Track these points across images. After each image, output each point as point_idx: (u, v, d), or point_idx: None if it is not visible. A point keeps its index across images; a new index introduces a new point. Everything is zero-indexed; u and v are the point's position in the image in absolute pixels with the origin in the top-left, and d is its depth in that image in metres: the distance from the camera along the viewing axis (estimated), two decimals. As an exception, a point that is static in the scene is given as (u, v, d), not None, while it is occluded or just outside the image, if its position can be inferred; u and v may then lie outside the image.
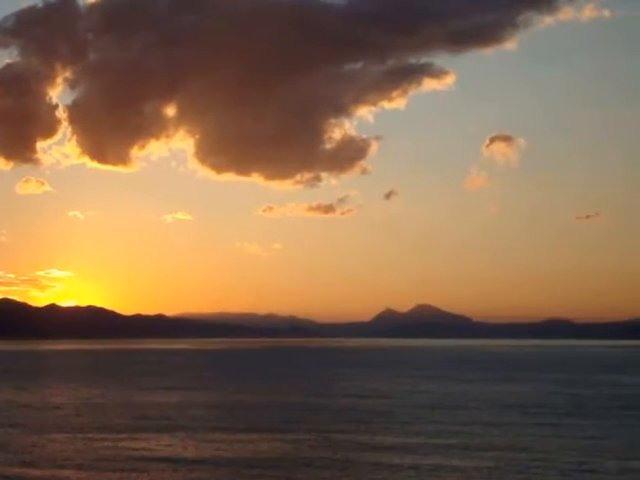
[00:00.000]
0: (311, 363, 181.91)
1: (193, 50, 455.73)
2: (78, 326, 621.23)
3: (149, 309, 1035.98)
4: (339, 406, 72.42)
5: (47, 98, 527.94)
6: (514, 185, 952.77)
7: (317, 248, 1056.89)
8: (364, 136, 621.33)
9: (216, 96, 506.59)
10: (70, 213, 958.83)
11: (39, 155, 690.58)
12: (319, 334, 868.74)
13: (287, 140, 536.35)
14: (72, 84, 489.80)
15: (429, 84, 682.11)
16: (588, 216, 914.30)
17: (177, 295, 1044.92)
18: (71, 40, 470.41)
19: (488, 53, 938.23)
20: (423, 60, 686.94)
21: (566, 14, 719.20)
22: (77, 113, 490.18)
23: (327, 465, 41.14)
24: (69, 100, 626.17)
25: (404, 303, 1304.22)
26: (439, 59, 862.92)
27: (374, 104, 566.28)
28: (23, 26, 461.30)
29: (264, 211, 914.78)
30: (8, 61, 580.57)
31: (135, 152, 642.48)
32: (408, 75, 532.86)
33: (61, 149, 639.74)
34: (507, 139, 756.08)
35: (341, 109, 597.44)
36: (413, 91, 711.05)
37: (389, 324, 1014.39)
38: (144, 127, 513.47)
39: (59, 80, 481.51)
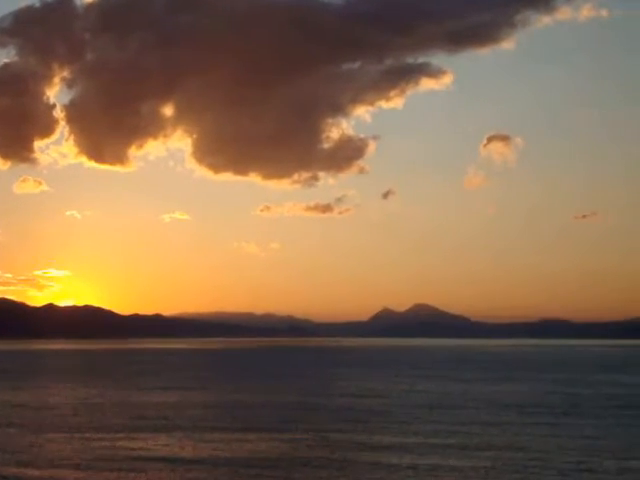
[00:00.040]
0: (309, 363, 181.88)
1: (190, 50, 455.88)
2: (76, 326, 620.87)
3: (147, 309, 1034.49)
4: (337, 406, 72.38)
5: (44, 98, 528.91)
6: (512, 184, 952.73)
7: (315, 248, 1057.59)
8: (362, 136, 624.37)
9: (213, 96, 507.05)
10: (68, 213, 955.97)
11: (36, 154, 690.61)
12: (317, 334, 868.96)
13: (285, 140, 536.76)
14: (69, 84, 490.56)
15: (427, 84, 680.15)
16: (585, 216, 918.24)
17: (175, 295, 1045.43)
18: (68, 40, 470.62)
19: (486, 53, 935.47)
20: (421, 60, 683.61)
21: (564, 14, 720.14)
22: (74, 113, 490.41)
23: (325, 465, 41.10)
24: (66, 100, 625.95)
25: (402, 302, 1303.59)
26: (437, 59, 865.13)
27: (372, 104, 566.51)
28: (20, 26, 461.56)
29: (262, 211, 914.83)
30: (6, 61, 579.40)
31: (132, 152, 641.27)
32: (406, 75, 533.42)
33: (58, 149, 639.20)
34: (505, 138, 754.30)
35: (339, 109, 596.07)
36: (411, 91, 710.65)
37: (387, 324, 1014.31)
38: (141, 127, 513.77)
39: (56, 80, 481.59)
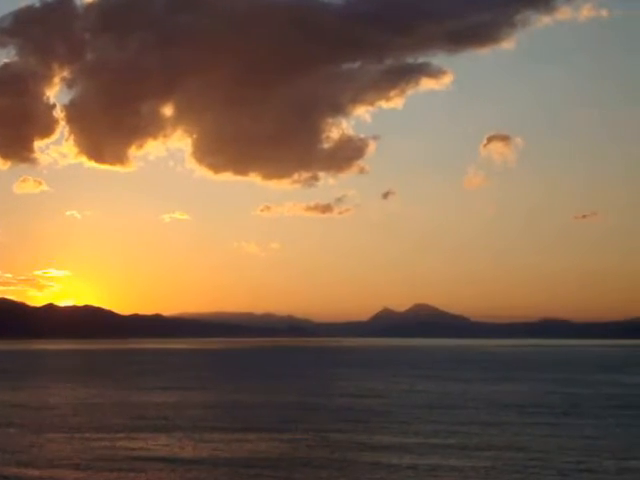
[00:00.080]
0: (308, 363, 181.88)
1: (190, 50, 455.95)
2: (76, 326, 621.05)
3: (146, 309, 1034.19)
4: (337, 406, 72.39)
5: (44, 98, 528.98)
6: (512, 185, 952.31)
7: (315, 248, 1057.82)
8: (362, 136, 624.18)
9: (213, 96, 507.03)
10: (68, 213, 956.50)
11: (36, 154, 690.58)
12: (317, 334, 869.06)
13: (285, 140, 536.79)
14: (69, 84, 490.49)
15: (427, 84, 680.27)
16: (585, 216, 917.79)
17: (174, 295, 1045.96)
18: (68, 40, 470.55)
19: (486, 53, 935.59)
20: (421, 60, 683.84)
21: (564, 14, 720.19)
22: (74, 113, 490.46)
23: (325, 465, 41.10)
24: (66, 100, 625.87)
25: (402, 303, 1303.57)
26: (436, 59, 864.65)
27: (372, 104, 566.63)
28: (21, 26, 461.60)
29: (262, 211, 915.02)
30: (6, 61, 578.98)
31: (132, 152, 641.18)
32: (406, 75, 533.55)
33: (58, 149, 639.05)
34: (505, 138, 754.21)
35: (339, 109, 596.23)
36: (411, 91, 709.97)
37: (387, 324, 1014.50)
38: (141, 127, 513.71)
39: (56, 80, 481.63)
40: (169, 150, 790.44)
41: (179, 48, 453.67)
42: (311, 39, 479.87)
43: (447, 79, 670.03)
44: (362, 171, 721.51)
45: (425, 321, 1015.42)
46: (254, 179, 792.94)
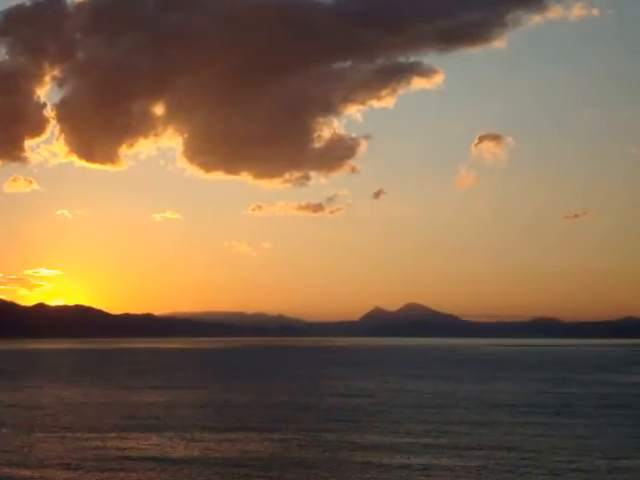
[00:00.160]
0: (300, 362, 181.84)
1: (181, 49, 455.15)
2: (66, 325, 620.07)
3: (138, 308, 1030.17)
4: (327, 405, 72.38)
5: (35, 97, 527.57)
6: (503, 184, 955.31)
7: (306, 247, 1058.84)
8: (353, 135, 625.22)
9: (205, 95, 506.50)
10: (58, 212, 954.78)
11: (27, 153, 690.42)
12: (308, 333, 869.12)
13: (276, 139, 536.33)
14: (60, 83, 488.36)
15: (418, 83, 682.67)
16: (576, 215, 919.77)
17: (166, 294, 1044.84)
18: (59, 39, 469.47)
19: (477, 52, 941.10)
20: (412, 59, 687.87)
21: (555, 13, 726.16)
22: (65, 112, 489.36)
23: (316, 464, 41.09)
24: (57, 99, 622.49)
25: (393, 302, 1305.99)
26: (428, 58, 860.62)
27: (363, 103, 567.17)
28: (11, 24, 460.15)
29: (253, 210, 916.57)
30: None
31: (123, 151, 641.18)
32: (397, 74, 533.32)
33: (49, 148, 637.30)
34: (496, 138, 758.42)
35: (330, 108, 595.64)
36: (402, 90, 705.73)
37: (378, 323, 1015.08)
38: (132, 126, 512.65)
39: (47, 79, 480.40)
40: (160, 149, 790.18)
41: (170, 47, 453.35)
42: (302, 38, 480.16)
43: (438, 78, 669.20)
44: (353, 170, 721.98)
45: (416, 321, 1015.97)
46: (245, 178, 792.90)
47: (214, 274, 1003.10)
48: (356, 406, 71.29)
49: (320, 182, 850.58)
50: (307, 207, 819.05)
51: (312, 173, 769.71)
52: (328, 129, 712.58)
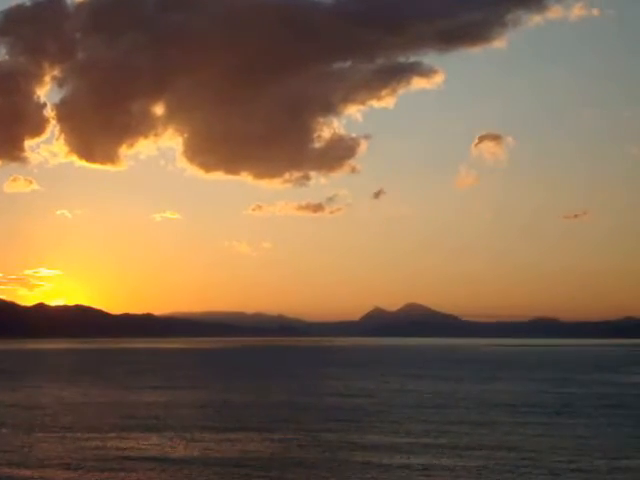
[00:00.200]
0: (299, 362, 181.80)
1: (181, 49, 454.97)
2: (66, 325, 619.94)
3: (138, 308, 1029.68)
4: (327, 405, 72.37)
5: (35, 97, 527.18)
6: (503, 184, 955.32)
7: (306, 247, 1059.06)
8: (353, 135, 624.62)
9: (205, 95, 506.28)
10: (58, 212, 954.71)
11: (27, 153, 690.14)
12: (308, 333, 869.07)
13: (276, 139, 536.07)
14: (60, 83, 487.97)
15: (418, 83, 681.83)
16: (576, 215, 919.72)
17: (166, 294, 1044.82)
18: (59, 39, 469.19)
19: (477, 52, 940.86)
20: (412, 59, 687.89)
21: (555, 13, 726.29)
22: (65, 112, 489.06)
23: (316, 464, 41.08)
24: (57, 99, 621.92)
25: (393, 302, 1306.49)
26: (428, 58, 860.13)
27: (363, 103, 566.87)
28: (11, 24, 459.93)
29: (253, 210, 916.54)
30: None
31: (123, 151, 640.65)
32: (397, 74, 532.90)
33: (49, 147, 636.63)
34: (496, 138, 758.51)
35: (330, 108, 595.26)
36: (402, 90, 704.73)
37: (378, 323, 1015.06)
38: (132, 126, 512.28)
39: (47, 79, 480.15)
40: (160, 149, 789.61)
41: (170, 47, 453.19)
42: (302, 38, 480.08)
43: (438, 78, 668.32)
44: (353, 170, 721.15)
45: (416, 321, 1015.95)
46: (245, 178, 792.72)
47: (214, 274, 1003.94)
48: (356, 406, 71.27)
49: (320, 182, 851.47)
50: (307, 207, 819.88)
51: (312, 173, 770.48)
52: (328, 129, 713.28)
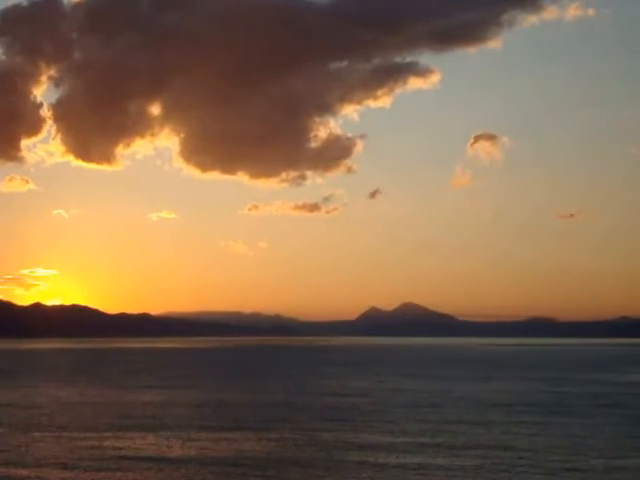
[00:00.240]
0: (296, 362, 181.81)
1: (177, 49, 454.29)
2: (63, 325, 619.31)
3: (134, 308, 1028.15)
4: (323, 405, 72.41)
5: (31, 96, 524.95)
6: (499, 184, 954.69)
7: (302, 247, 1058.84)
8: (349, 135, 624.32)
9: (201, 94, 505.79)
10: (55, 211, 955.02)
11: (23, 153, 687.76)
12: (304, 333, 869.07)
13: (272, 138, 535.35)
14: (57, 82, 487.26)
15: (414, 83, 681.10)
16: (572, 215, 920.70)
17: (162, 294, 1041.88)
18: (56, 39, 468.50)
19: (473, 52, 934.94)
20: (408, 59, 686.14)
21: (550, 13, 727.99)
22: (62, 111, 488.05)
23: (312, 464, 41.13)
24: (53, 98, 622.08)
25: (389, 301, 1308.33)
26: (424, 58, 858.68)
27: (359, 103, 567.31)
28: (7, 24, 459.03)
29: (249, 210, 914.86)
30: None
31: (120, 150, 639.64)
32: (393, 74, 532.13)
33: (46, 147, 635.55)
34: (491, 137, 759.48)
35: (326, 108, 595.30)
36: (398, 90, 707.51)
37: (374, 322, 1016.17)
38: (129, 125, 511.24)
39: (43, 78, 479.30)
40: (156, 149, 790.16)
41: (166, 47, 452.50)
42: (298, 38, 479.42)
43: (434, 78, 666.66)
44: (350, 170, 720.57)
45: (412, 320, 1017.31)
46: (242, 178, 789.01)
47: (210, 274, 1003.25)
48: (352, 405, 71.32)
49: (316, 182, 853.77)
50: (303, 207, 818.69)
51: (308, 173, 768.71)
52: (324, 129, 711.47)
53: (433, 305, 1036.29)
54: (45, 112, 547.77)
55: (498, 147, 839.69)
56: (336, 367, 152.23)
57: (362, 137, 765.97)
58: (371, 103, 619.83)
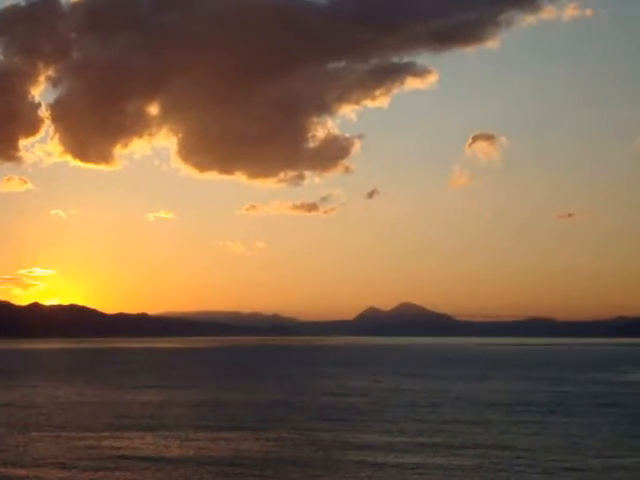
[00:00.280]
0: (294, 361, 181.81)
1: (176, 49, 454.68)
2: (61, 325, 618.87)
3: (132, 308, 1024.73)
4: (321, 404, 72.40)
5: (30, 96, 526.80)
6: (497, 184, 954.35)
7: (300, 246, 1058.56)
8: (347, 135, 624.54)
9: (199, 94, 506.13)
10: (53, 211, 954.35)
11: (21, 153, 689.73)
12: (303, 332, 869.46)
13: (270, 138, 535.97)
14: (55, 82, 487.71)
15: (412, 83, 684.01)
16: (571, 215, 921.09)
17: (160, 294, 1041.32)
18: (54, 39, 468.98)
19: (470, 52, 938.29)
20: (406, 59, 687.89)
21: (548, 13, 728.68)
22: (60, 111, 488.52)
23: (310, 463, 41.13)
24: (52, 98, 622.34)
25: (387, 301, 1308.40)
26: (422, 58, 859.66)
27: (357, 103, 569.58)
28: (6, 24, 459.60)
29: (247, 209, 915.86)
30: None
31: (118, 150, 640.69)
32: (391, 74, 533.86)
33: (44, 147, 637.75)
34: (489, 138, 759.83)
35: (324, 108, 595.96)
36: (396, 90, 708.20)
37: (372, 322, 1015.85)
38: (127, 125, 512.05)
39: (42, 78, 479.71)
40: (154, 149, 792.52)
41: (164, 47, 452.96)
42: (296, 38, 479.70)
43: (432, 78, 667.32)
44: (347, 170, 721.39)
45: (410, 320, 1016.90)
46: (239, 178, 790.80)
47: (208, 274, 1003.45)
48: (350, 405, 71.32)
49: (314, 182, 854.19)
50: (301, 207, 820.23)
51: (306, 173, 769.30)
52: (322, 129, 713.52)
53: (431, 305, 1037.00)
54: (43, 112, 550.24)
55: (496, 147, 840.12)
56: (334, 367, 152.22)
57: (360, 137, 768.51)
58: (369, 103, 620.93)
